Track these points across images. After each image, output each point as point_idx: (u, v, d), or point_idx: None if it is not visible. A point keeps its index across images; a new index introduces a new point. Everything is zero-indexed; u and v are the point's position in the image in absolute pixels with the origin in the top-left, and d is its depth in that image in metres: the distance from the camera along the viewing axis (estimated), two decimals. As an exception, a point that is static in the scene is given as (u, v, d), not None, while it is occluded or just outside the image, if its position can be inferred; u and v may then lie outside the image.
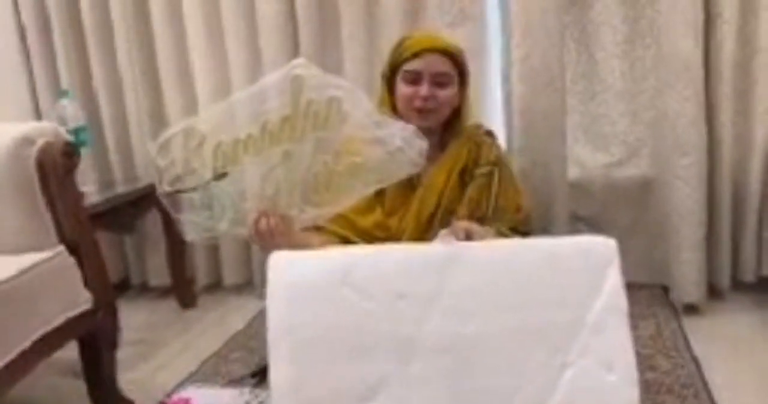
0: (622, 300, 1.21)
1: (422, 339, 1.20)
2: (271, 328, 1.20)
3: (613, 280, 1.20)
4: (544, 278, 1.22)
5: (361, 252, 1.30)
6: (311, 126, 1.22)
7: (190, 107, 2.24)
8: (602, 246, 1.23)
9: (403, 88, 1.48)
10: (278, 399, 1.18)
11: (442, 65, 1.47)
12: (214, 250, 2.34)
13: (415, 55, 1.47)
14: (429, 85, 1.46)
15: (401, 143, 1.24)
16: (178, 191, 1.25)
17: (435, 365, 1.19)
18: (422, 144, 1.25)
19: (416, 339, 1.20)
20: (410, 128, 1.26)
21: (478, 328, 1.21)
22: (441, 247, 1.31)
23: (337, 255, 1.26)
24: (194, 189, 1.25)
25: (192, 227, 1.27)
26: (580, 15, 2.02)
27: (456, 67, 1.50)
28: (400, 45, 1.53)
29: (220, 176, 1.23)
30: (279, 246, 1.27)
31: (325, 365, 1.19)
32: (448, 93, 1.49)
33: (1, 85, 2.28)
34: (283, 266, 1.23)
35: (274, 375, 1.18)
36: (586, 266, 1.22)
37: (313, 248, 1.29)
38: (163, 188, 1.24)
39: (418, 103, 1.46)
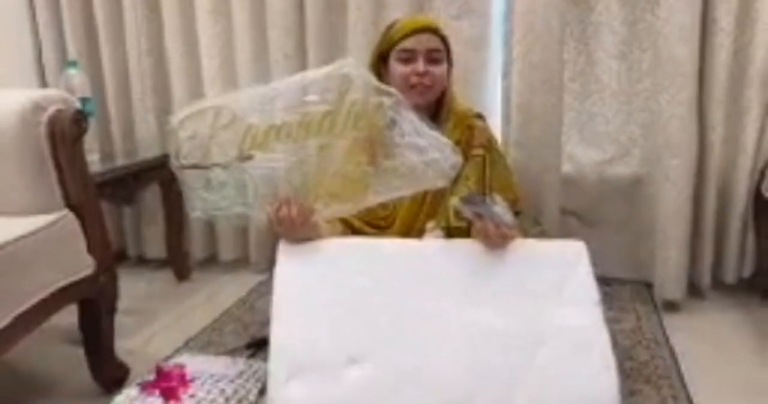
0: (593, 292, 1.35)
1: (411, 313, 1.31)
2: (276, 293, 1.32)
3: (583, 275, 1.36)
4: (522, 271, 1.36)
5: (362, 241, 1.44)
6: (352, 125, 1.25)
7: (194, 84, 2.29)
8: (574, 248, 1.40)
9: (399, 68, 1.53)
10: (276, 355, 1.27)
11: (434, 42, 1.54)
12: (210, 226, 2.38)
13: (408, 34, 1.52)
14: (424, 62, 1.52)
15: (438, 155, 1.27)
16: (196, 166, 1.26)
17: (419, 335, 1.29)
18: (457, 159, 1.29)
19: (405, 312, 1.31)
20: (448, 142, 1.29)
21: (463, 307, 1.32)
22: (431, 242, 1.43)
23: (340, 242, 1.39)
24: (214, 166, 1.26)
25: (202, 203, 1.28)
26: (581, 15, 2.06)
27: (444, 46, 1.56)
28: (390, 28, 1.59)
29: (245, 157, 1.25)
30: (296, 235, 1.34)
31: (322, 328, 1.31)
32: (441, 69, 1.54)
33: (9, 54, 2.30)
34: (293, 246, 1.35)
35: (274, 334, 1.28)
36: (560, 264, 1.37)
37: (324, 237, 1.38)
38: (180, 160, 1.25)
39: (414, 79, 1.51)
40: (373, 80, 1.28)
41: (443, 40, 1.56)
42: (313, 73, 1.30)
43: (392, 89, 1.29)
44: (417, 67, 1.51)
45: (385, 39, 1.57)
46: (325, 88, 1.25)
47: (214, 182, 1.27)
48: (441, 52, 1.55)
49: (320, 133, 1.25)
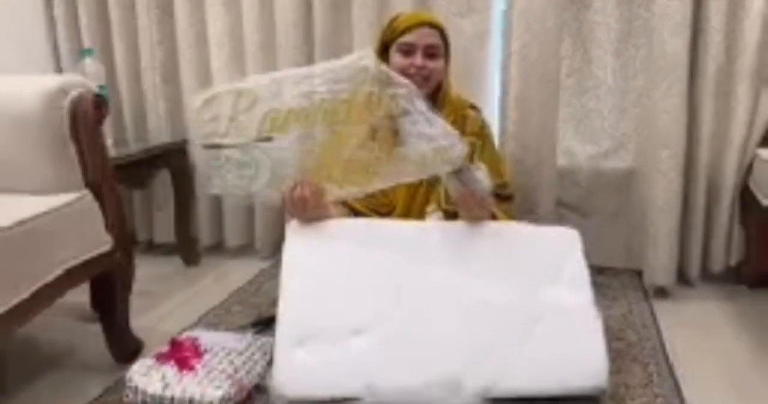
0: (585, 274, 1.45)
1: (412, 288, 1.40)
2: (284, 267, 1.40)
3: (576, 259, 1.47)
4: (519, 252, 1.46)
5: (366, 221, 1.53)
6: (368, 113, 1.32)
7: (203, 74, 2.36)
8: (568, 233, 1.51)
9: (398, 60, 1.61)
10: (283, 324, 1.35)
11: (433, 38, 1.62)
12: (218, 212, 2.46)
13: (409, 28, 1.61)
14: (422, 56, 1.60)
15: (445, 143, 1.34)
16: (217, 146, 1.32)
17: (420, 309, 1.38)
18: (463, 148, 1.36)
19: (406, 287, 1.39)
20: (455, 133, 1.37)
21: (461, 284, 1.41)
22: (434, 223, 1.52)
23: (345, 222, 1.48)
24: (234, 146, 1.32)
25: (221, 181, 1.35)
26: (578, 13, 2.13)
27: (443, 41, 1.64)
28: (392, 22, 1.67)
29: (265, 139, 1.32)
30: (308, 215, 1.42)
31: (328, 301, 1.39)
32: (438, 63, 1.63)
33: (25, 44, 2.38)
34: (301, 225, 1.44)
35: (282, 305, 1.36)
36: (555, 247, 1.48)
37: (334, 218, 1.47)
38: (201, 139, 1.32)
39: (412, 71, 1.59)
40: (390, 72, 1.35)
41: (442, 35, 1.64)
42: (334, 63, 1.36)
43: (406, 81, 1.36)
44: (415, 61, 1.60)
45: (388, 31, 1.66)
46: (345, 77, 1.31)
47: (234, 161, 1.33)
48: (439, 48, 1.63)
49: (337, 119, 1.32)
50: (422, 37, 1.61)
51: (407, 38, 1.61)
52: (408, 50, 1.61)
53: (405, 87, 1.33)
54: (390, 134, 1.37)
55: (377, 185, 1.41)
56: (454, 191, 1.42)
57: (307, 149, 1.37)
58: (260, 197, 1.40)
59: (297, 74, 1.38)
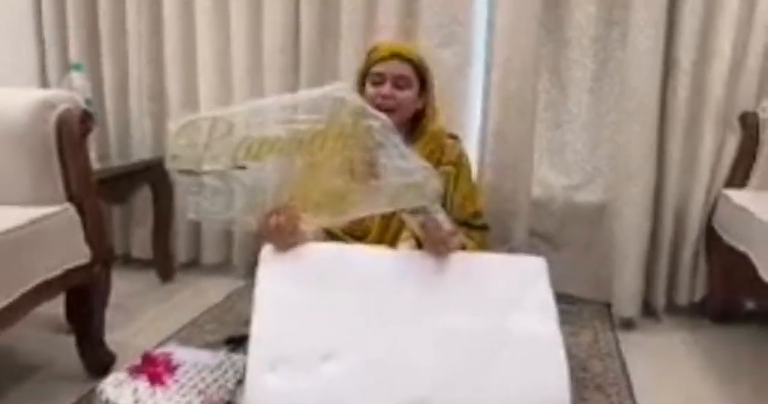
0: (550, 303, 1.48)
1: (383, 314, 1.43)
2: (258, 290, 1.42)
3: (542, 287, 1.49)
4: (486, 280, 1.49)
5: (340, 247, 1.55)
6: (342, 145, 1.33)
7: (190, 92, 2.39)
8: (534, 262, 1.53)
9: (369, 89, 1.67)
10: (256, 347, 1.36)
11: (402, 70, 1.67)
12: (195, 229, 2.47)
13: (381, 59, 1.67)
14: (390, 86, 1.65)
15: (420, 178, 1.36)
16: (191, 172, 1.32)
17: (390, 335, 1.40)
18: (437, 184, 1.39)
19: (378, 313, 1.42)
20: (430, 167, 1.39)
21: (430, 311, 1.44)
22: (405, 252, 1.56)
23: (319, 247, 1.50)
24: (207, 174, 1.32)
25: (195, 207, 1.36)
26: (556, 50, 2.20)
27: (416, 73, 1.69)
28: (370, 53, 1.73)
29: (239, 167, 1.32)
30: (283, 242, 1.44)
31: (300, 325, 1.40)
32: (406, 95, 1.67)
33: (12, 55, 2.40)
34: (276, 249, 1.45)
35: (255, 327, 1.37)
36: (521, 276, 1.51)
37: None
38: (176, 165, 1.32)
39: (379, 100, 1.63)
40: (364, 104, 1.37)
41: (415, 67, 1.69)
42: (309, 93, 1.41)
43: (381, 114, 1.38)
44: (382, 90, 1.65)
45: (365, 62, 1.72)
46: (319, 107, 1.33)
47: (208, 188, 1.33)
48: (408, 79, 1.67)
49: (311, 150, 1.33)
50: (392, 68, 1.66)
51: (378, 68, 1.67)
52: (378, 81, 1.66)
53: (380, 120, 1.35)
54: (365, 165, 1.38)
55: (352, 214, 1.42)
56: (416, 229, 1.46)
57: (283, 177, 1.38)
58: (237, 224, 1.40)
59: (273, 103, 1.40)
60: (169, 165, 1.36)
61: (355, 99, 1.36)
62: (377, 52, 1.70)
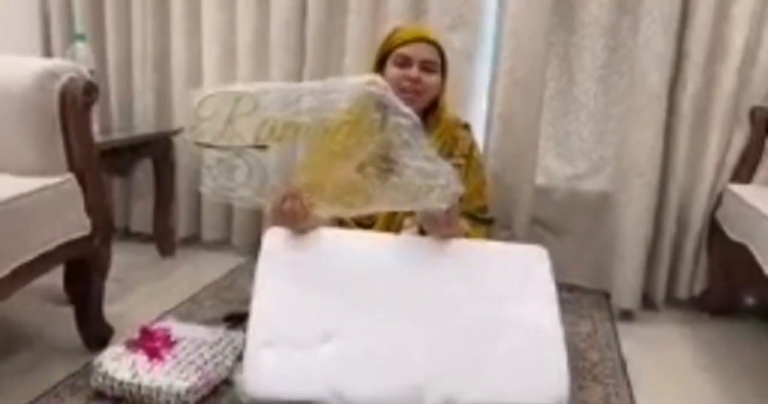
0: (551, 292, 1.48)
1: (383, 298, 1.43)
2: (260, 268, 1.42)
3: (543, 276, 1.49)
4: (487, 268, 1.49)
5: (344, 232, 1.54)
6: (369, 139, 1.31)
7: (194, 65, 2.37)
8: (536, 251, 1.53)
9: (393, 70, 1.62)
10: (255, 325, 1.36)
11: (430, 54, 1.63)
12: (196, 205, 2.47)
13: (407, 42, 1.62)
14: (418, 70, 1.61)
15: (443, 181, 1.34)
16: (210, 146, 1.30)
17: (390, 319, 1.40)
18: (459, 188, 1.36)
19: (378, 297, 1.42)
20: (454, 172, 1.36)
21: (431, 297, 1.44)
22: (407, 237, 1.55)
23: (324, 230, 1.48)
24: (227, 149, 1.30)
25: (212, 182, 1.34)
26: (566, 38, 2.18)
27: (441, 58, 1.65)
28: (392, 34, 1.68)
29: (260, 147, 1.30)
30: (295, 227, 1.43)
31: (301, 305, 1.41)
32: (433, 79, 1.63)
33: (15, 26, 2.37)
34: (281, 233, 1.45)
35: (255, 305, 1.38)
36: (523, 264, 1.50)
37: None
38: (196, 137, 1.30)
39: (406, 83, 1.60)
40: (397, 101, 1.34)
41: (440, 52, 1.65)
42: (341, 82, 1.36)
43: (411, 112, 1.34)
44: (410, 73, 1.60)
45: (386, 43, 1.67)
46: (350, 98, 1.30)
47: (225, 164, 1.32)
48: (435, 64, 1.64)
49: (336, 139, 1.31)
50: (420, 51, 1.62)
51: (404, 50, 1.62)
52: (403, 63, 1.62)
53: (410, 119, 1.32)
54: (386, 162, 1.36)
55: (368, 209, 1.41)
56: (419, 213, 1.45)
57: (302, 162, 1.38)
58: (247, 202, 1.39)
59: (304, 88, 1.38)
60: (188, 135, 1.35)
61: (387, 94, 1.33)
62: (403, 34, 1.65)
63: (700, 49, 1.97)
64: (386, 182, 1.35)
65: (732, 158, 2.07)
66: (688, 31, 1.99)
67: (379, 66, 1.67)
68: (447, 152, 1.62)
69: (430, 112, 1.69)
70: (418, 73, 1.61)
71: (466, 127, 1.76)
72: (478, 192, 1.69)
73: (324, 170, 1.37)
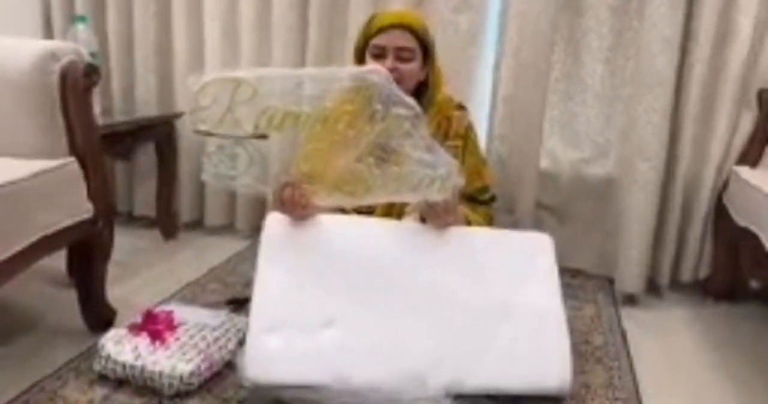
0: (554, 278, 1.50)
1: (385, 284, 1.43)
2: (261, 254, 1.42)
3: (547, 263, 1.51)
4: (491, 254, 1.50)
5: (346, 218, 1.54)
6: (370, 130, 1.31)
7: (196, 47, 2.36)
8: (540, 238, 1.55)
9: (370, 63, 1.58)
10: (257, 309, 1.37)
11: (405, 41, 1.57)
12: (199, 190, 2.46)
13: (380, 30, 1.57)
14: (392, 59, 1.56)
15: (444, 172, 1.34)
16: (209, 133, 1.29)
17: (392, 304, 1.41)
18: (459, 181, 1.36)
19: (380, 282, 1.43)
20: (455, 163, 1.36)
21: (434, 282, 1.44)
22: (409, 224, 1.54)
23: (325, 217, 1.49)
24: (227, 137, 1.30)
25: (213, 168, 1.33)
26: (572, 19, 2.15)
27: (419, 42, 1.59)
28: (369, 22, 1.63)
29: (260, 136, 1.29)
30: (296, 214, 1.43)
31: (303, 290, 1.42)
32: (409, 67, 1.58)
33: (16, 7, 2.35)
34: (282, 219, 1.46)
35: (257, 290, 1.38)
36: (527, 251, 1.52)
37: None
38: (195, 124, 1.29)
39: None
40: (398, 92, 1.32)
41: (417, 36, 1.59)
42: (343, 71, 1.35)
43: (413, 102, 1.33)
44: (384, 64, 1.54)
45: (363, 33, 1.62)
46: (351, 88, 1.30)
47: (225, 151, 1.31)
48: (411, 51, 1.58)
49: (336, 129, 1.30)
50: (392, 39, 1.56)
51: (378, 40, 1.57)
52: (379, 54, 1.57)
53: (412, 110, 1.31)
54: (386, 152, 1.35)
55: (368, 199, 1.40)
56: (419, 202, 1.44)
57: (303, 151, 1.37)
58: (248, 189, 1.38)
59: (305, 75, 1.36)
60: (188, 122, 1.34)
61: (389, 85, 1.32)
62: (376, 22, 1.60)
63: (707, 31, 1.94)
64: (386, 172, 1.35)
65: (739, 142, 2.05)
66: (696, 13, 1.96)
67: (361, 57, 1.63)
68: (442, 134, 1.60)
69: (418, 96, 1.64)
70: (392, 64, 1.56)
71: (461, 107, 1.72)
72: (477, 172, 1.68)
73: (324, 160, 1.37)
